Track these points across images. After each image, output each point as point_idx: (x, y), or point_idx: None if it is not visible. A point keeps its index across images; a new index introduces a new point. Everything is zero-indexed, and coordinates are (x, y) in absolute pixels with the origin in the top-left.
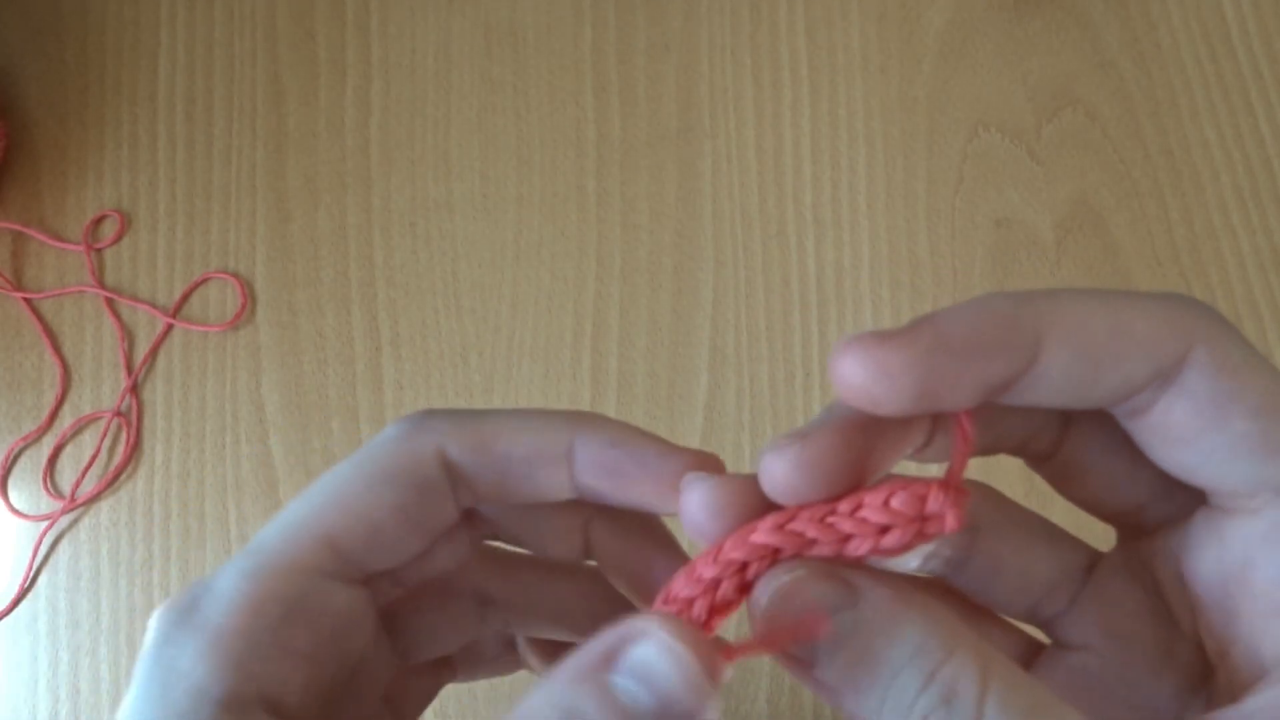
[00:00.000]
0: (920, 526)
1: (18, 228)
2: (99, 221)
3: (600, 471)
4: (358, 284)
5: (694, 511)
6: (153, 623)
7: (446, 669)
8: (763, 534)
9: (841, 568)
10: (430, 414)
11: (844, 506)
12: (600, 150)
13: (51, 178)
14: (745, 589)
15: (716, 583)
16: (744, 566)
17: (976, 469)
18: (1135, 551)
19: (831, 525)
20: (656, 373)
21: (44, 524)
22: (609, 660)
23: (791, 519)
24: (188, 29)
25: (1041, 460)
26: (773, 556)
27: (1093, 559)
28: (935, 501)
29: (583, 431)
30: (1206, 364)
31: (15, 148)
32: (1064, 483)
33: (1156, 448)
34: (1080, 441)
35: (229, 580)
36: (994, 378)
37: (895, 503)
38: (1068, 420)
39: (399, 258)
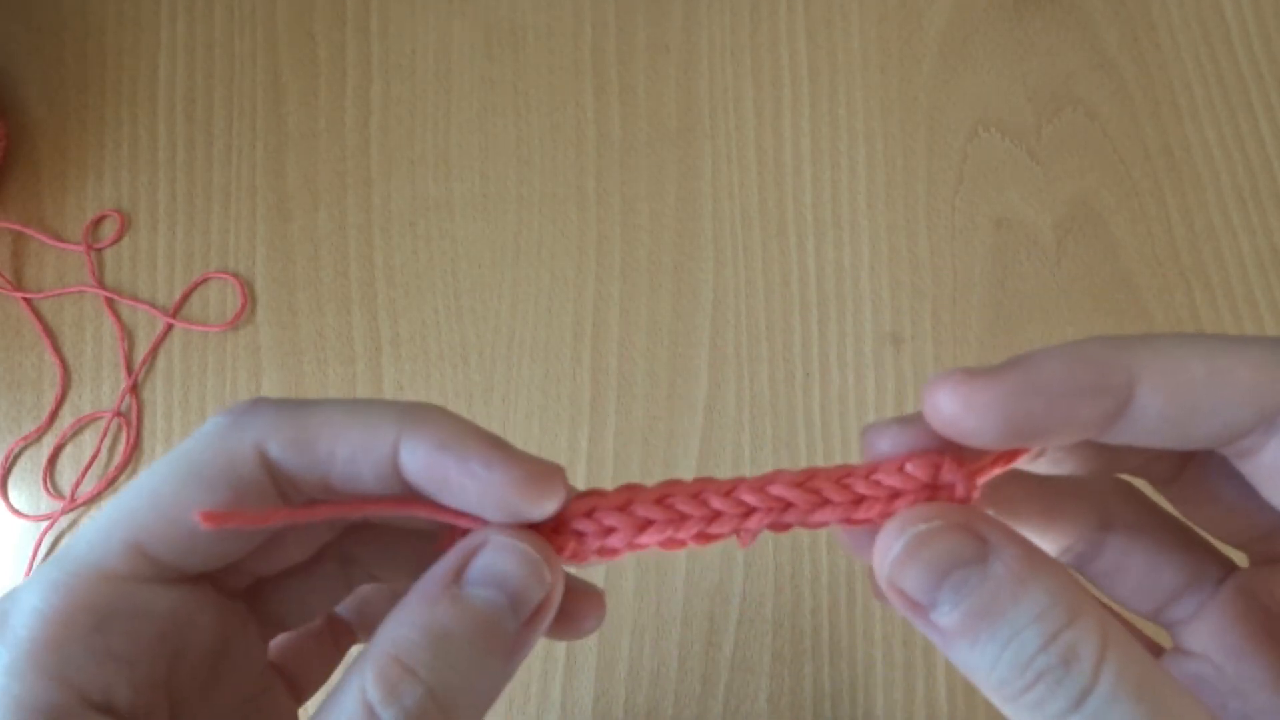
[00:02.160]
0: (932, 495)
1: (18, 228)
2: (99, 221)
3: (425, 477)
4: (358, 284)
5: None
6: None
7: (345, 633)
8: (780, 487)
9: (978, 520)
10: (255, 406)
11: (861, 470)
12: (600, 150)
13: (51, 178)
14: (739, 533)
15: (716, 515)
16: (749, 512)
17: None
18: (1265, 572)
19: (847, 486)
20: (656, 373)
21: (44, 524)
22: (457, 575)
23: (811, 477)
24: (188, 29)
25: (1164, 484)
26: (781, 509)
27: (1226, 570)
28: (949, 472)
29: (410, 431)
30: None
31: (15, 148)
32: (1186, 507)
33: (1268, 488)
34: (1200, 471)
35: (34, 593)
36: (1085, 418)
37: (910, 468)
38: (1188, 454)
39: (399, 258)
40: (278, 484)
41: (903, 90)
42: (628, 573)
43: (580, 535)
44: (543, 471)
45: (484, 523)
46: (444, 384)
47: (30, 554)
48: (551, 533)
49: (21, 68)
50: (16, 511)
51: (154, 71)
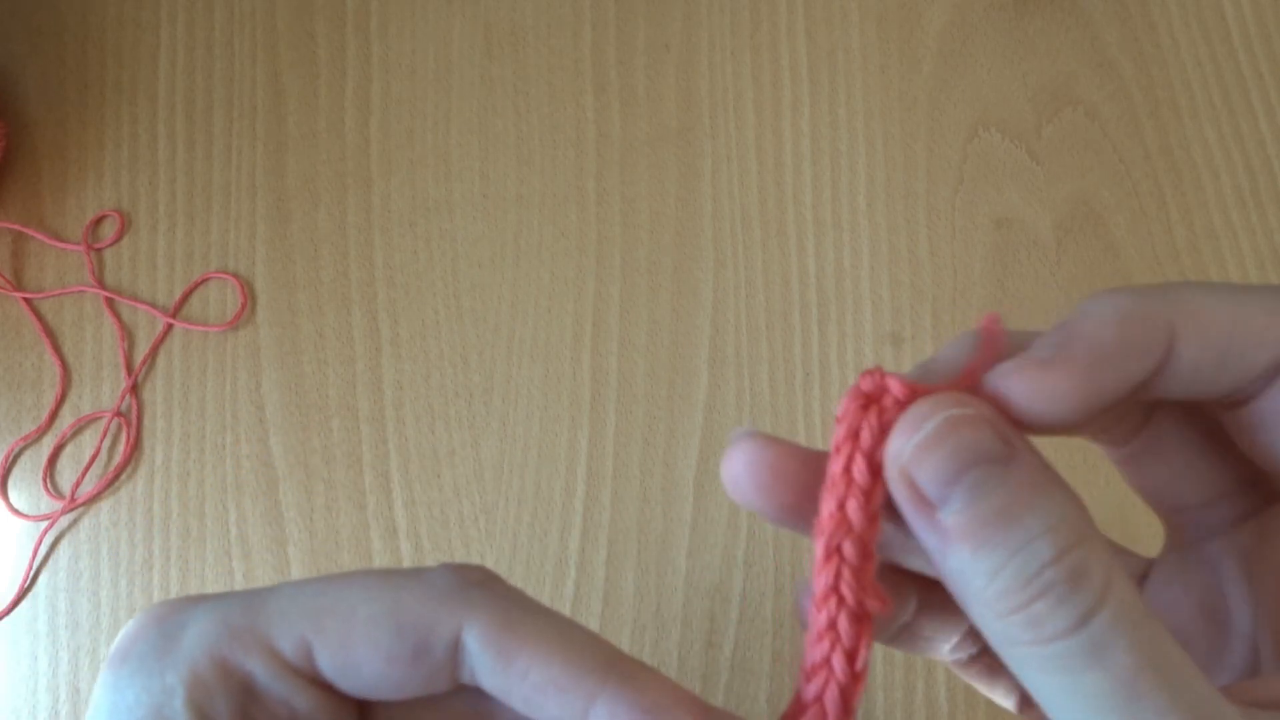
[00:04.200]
0: (869, 406)
1: (18, 228)
2: (99, 221)
3: None
4: (358, 284)
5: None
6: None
7: None
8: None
9: (1000, 422)
10: (487, 582)
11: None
12: (600, 150)
13: (51, 178)
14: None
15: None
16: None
17: (1045, 453)
18: (1190, 555)
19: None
20: (656, 373)
21: (44, 524)
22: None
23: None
24: (188, 29)
25: (1118, 445)
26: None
27: (1145, 568)
28: (864, 383)
29: (613, 685)
30: None
31: (15, 148)
32: (1137, 471)
33: (1254, 436)
34: (1161, 431)
35: (212, 625)
36: (1139, 376)
37: (838, 410)
38: (1150, 410)
39: (399, 258)
40: (456, 666)
41: (903, 90)
42: (628, 573)
43: None
44: None
45: None
46: (444, 384)
47: (30, 554)
48: None
49: (21, 68)
50: (16, 511)
51: (154, 71)
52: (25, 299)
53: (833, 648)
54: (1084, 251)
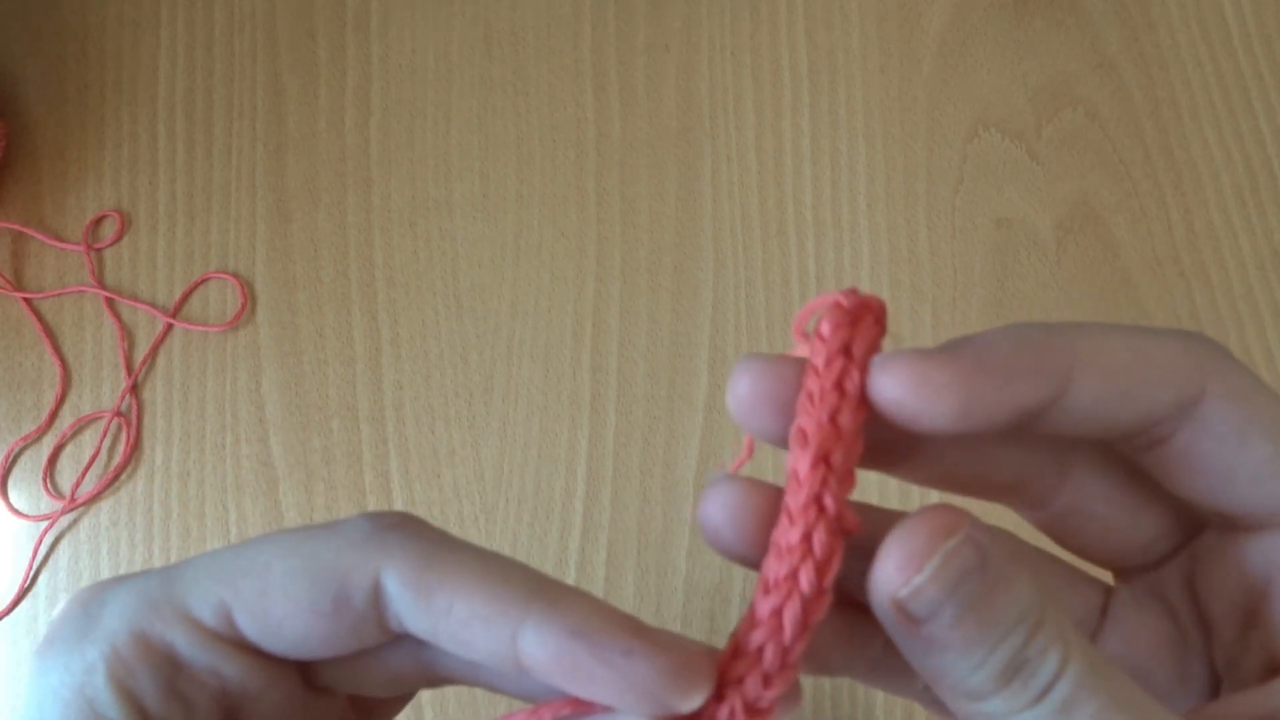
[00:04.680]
0: (856, 323)
1: (18, 228)
2: (99, 221)
3: (550, 664)
4: (358, 284)
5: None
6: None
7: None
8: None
9: (956, 514)
10: (400, 525)
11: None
12: (600, 150)
13: (51, 178)
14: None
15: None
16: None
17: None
18: (1137, 587)
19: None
20: (656, 373)
21: (44, 524)
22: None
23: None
24: (188, 29)
25: (1037, 508)
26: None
27: (1107, 595)
28: (846, 301)
29: (539, 613)
30: (1223, 393)
31: (15, 148)
32: (1065, 532)
33: (1177, 476)
34: (1081, 486)
35: (130, 601)
36: (1030, 401)
37: (824, 329)
38: (1066, 467)
39: (399, 258)
40: (380, 613)
41: (903, 90)
42: (628, 573)
43: None
44: (689, 661)
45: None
46: (444, 384)
47: (30, 554)
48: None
49: (21, 68)
50: (16, 511)
51: (154, 71)
52: (25, 299)
53: (802, 560)
54: (1084, 251)
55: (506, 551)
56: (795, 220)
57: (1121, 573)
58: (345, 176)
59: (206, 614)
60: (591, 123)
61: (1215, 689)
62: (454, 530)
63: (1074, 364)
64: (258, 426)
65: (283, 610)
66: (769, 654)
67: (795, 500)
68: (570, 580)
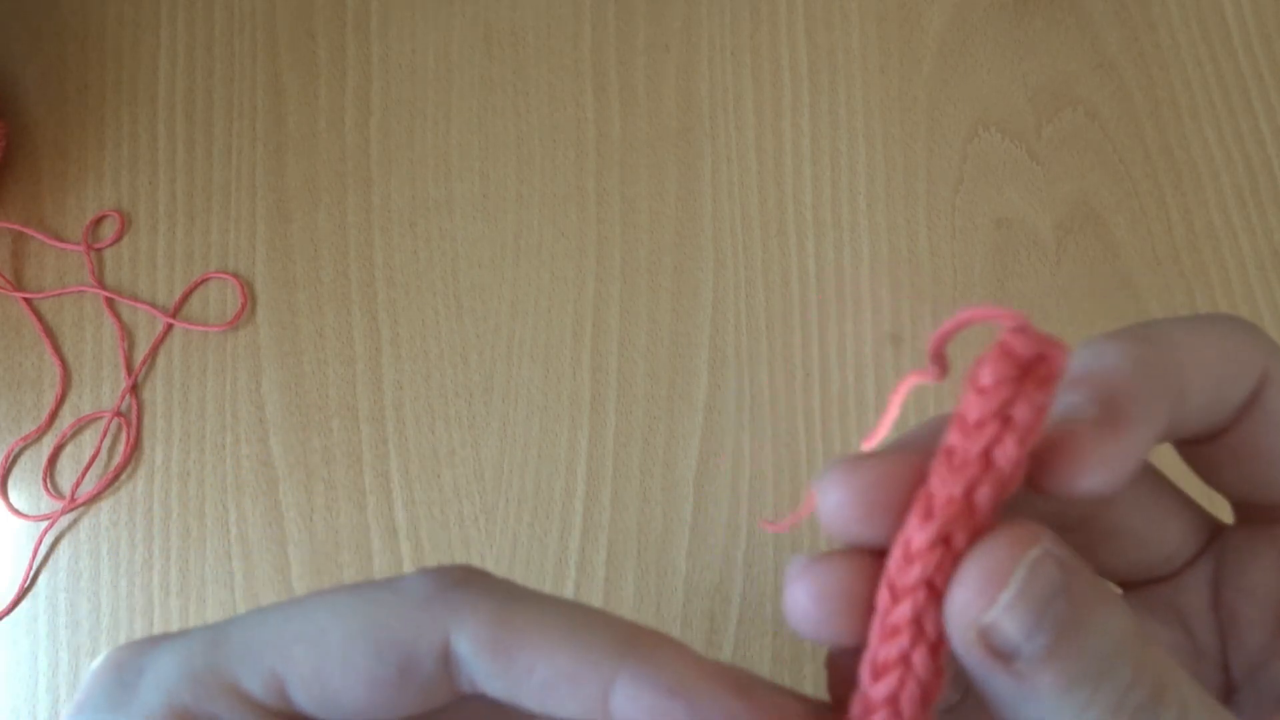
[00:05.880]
0: (1026, 377)
1: (18, 228)
2: (99, 221)
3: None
4: (358, 284)
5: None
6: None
7: None
8: (920, 533)
9: (1031, 526)
10: (465, 581)
11: (953, 437)
12: (600, 150)
13: (51, 178)
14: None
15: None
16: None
17: None
18: (1150, 595)
19: (960, 461)
20: (656, 373)
21: (44, 524)
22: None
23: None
24: (188, 29)
25: (1074, 530)
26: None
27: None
28: (1019, 345)
29: (632, 667)
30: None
31: (15, 148)
32: (1089, 549)
33: (1231, 468)
34: (1118, 502)
35: (172, 670)
36: (1164, 430)
37: (984, 379)
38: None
39: (399, 258)
40: (451, 678)
41: (903, 90)
42: (628, 573)
43: None
44: (786, 711)
45: None
46: (444, 384)
47: (30, 554)
48: None
49: (21, 68)
50: (16, 511)
51: (154, 71)
52: (25, 299)
53: (914, 643)
54: (1084, 251)
55: (507, 551)
56: (795, 220)
57: (1129, 585)
58: (345, 176)
59: (256, 686)
60: (591, 123)
61: (1228, 699)
62: (454, 530)
63: (1180, 374)
64: (258, 426)
65: (342, 681)
66: None
67: (903, 577)
68: (570, 580)
